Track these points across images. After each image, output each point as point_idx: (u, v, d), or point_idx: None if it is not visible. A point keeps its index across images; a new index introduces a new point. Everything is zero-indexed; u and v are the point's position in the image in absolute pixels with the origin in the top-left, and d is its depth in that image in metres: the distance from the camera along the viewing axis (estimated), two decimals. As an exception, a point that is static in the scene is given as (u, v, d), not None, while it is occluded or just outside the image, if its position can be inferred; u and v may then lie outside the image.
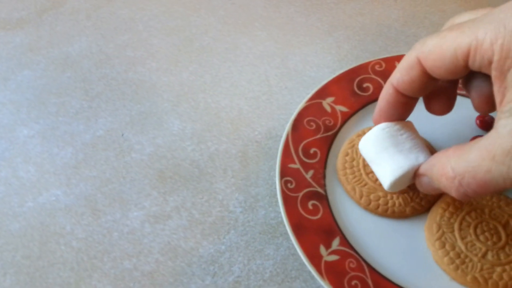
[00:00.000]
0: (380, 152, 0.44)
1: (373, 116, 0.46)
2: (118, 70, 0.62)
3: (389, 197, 0.47)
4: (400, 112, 0.44)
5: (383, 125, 0.45)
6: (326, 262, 0.43)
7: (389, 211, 0.46)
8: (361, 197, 0.47)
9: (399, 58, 0.57)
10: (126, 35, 0.66)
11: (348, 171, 0.49)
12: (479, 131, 0.53)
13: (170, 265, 0.46)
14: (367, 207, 0.47)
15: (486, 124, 0.52)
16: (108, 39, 0.66)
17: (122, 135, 0.55)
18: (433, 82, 0.40)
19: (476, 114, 0.53)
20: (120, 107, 0.58)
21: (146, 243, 0.47)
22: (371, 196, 0.47)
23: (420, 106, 0.52)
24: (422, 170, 0.41)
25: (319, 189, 0.48)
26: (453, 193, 0.36)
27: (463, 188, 0.35)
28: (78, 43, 0.66)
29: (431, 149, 0.50)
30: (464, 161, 0.34)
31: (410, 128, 0.45)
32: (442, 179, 0.37)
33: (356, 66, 0.56)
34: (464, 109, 0.53)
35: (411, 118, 0.50)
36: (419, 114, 0.52)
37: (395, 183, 0.44)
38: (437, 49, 0.36)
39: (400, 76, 0.40)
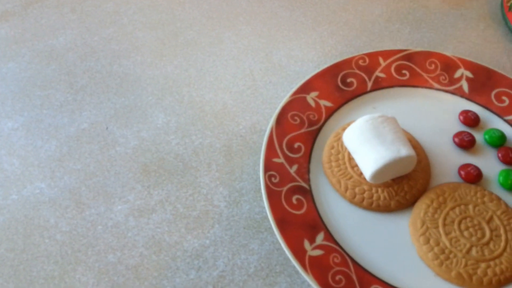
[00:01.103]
0: (363, 143, 0.45)
1: None
2: (103, 63, 0.62)
3: (374, 190, 0.47)
4: None
5: (366, 117, 0.46)
6: (310, 257, 0.43)
7: (374, 204, 0.47)
8: (346, 190, 0.47)
9: (382, 53, 0.57)
10: (111, 28, 0.66)
11: (333, 164, 0.49)
12: (462, 126, 0.53)
13: (154, 259, 0.46)
14: (352, 200, 0.47)
15: (469, 120, 0.52)
16: (93, 32, 0.66)
17: (107, 128, 0.55)
18: None
19: (460, 109, 0.53)
20: (105, 100, 0.57)
21: (130, 237, 0.47)
22: (356, 189, 0.47)
23: (405, 102, 0.53)
24: None
25: (304, 184, 0.48)
26: None
27: None
28: (63, 36, 0.65)
29: (415, 143, 0.50)
30: None
31: (393, 122, 0.46)
32: None
33: (340, 61, 0.56)
34: (448, 104, 0.54)
35: (395, 113, 0.50)
36: (404, 110, 0.52)
37: (376, 174, 0.44)
38: None
39: None
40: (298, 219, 0.45)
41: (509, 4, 0.64)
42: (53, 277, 0.45)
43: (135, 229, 0.48)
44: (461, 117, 0.53)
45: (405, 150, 0.44)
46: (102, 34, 0.65)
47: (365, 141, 0.45)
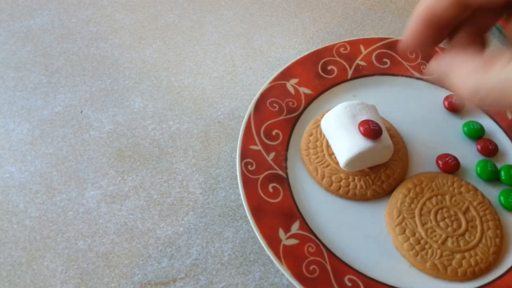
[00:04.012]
0: (340, 128, 0.44)
1: (402, 38, 0.40)
2: (80, 45, 0.61)
3: (350, 179, 0.47)
4: (431, 38, 0.38)
5: (345, 103, 0.45)
6: (284, 246, 0.42)
7: (350, 193, 0.46)
8: (322, 178, 0.47)
9: (364, 41, 0.56)
10: (90, 10, 0.65)
11: (311, 151, 0.48)
12: (446, 112, 0.53)
13: (126, 246, 0.45)
14: (328, 188, 0.47)
15: (454, 106, 0.52)
16: (70, 13, 0.64)
17: (81, 111, 0.54)
18: (466, 10, 0.36)
19: (443, 95, 0.53)
20: (80, 83, 0.56)
21: (102, 223, 0.46)
22: (333, 177, 0.47)
23: (385, 91, 0.52)
24: (442, 63, 0.37)
25: (280, 172, 0.47)
26: (470, 102, 0.33)
27: (483, 103, 0.33)
28: (40, 17, 0.64)
29: (394, 132, 0.50)
30: (490, 81, 0.32)
31: (372, 110, 0.45)
32: (461, 88, 0.34)
33: (320, 48, 0.56)
34: (428, 93, 0.54)
35: (375, 101, 0.50)
36: (384, 98, 0.52)
37: (351, 162, 0.44)
38: None
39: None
40: (274, 207, 0.45)
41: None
42: (21, 263, 0.44)
43: (107, 216, 0.47)
44: (446, 103, 0.53)
45: (381, 140, 0.43)
46: (80, 16, 0.64)
47: (342, 128, 0.44)
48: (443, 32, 0.38)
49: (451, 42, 0.39)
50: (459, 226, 0.44)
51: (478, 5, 0.34)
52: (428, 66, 0.40)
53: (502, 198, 0.47)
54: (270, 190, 0.46)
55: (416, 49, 0.41)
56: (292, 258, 0.42)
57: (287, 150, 0.49)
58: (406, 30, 0.39)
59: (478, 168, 0.48)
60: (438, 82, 0.39)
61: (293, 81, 0.53)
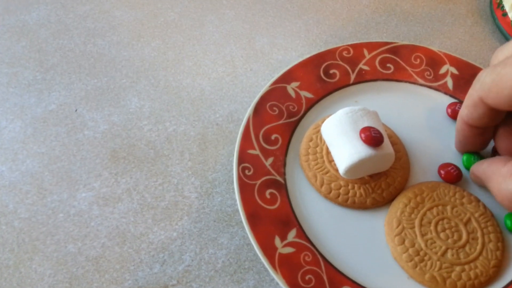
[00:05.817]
0: (340, 135, 0.44)
1: (455, 145, 0.49)
2: (77, 41, 0.59)
3: (350, 186, 0.46)
4: (479, 141, 0.46)
5: (347, 109, 0.44)
6: (280, 254, 0.41)
7: (350, 201, 0.45)
8: (321, 185, 0.46)
9: (367, 45, 0.55)
10: (88, 5, 0.64)
11: (310, 157, 0.47)
12: (450, 120, 0.52)
13: (117, 250, 0.44)
14: (327, 196, 0.46)
15: (457, 114, 0.51)
16: (68, 8, 0.63)
17: (76, 110, 0.53)
18: (502, 112, 0.42)
19: (447, 103, 0.53)
20: (76, 81, 0.55)
21: (93, 226, 0.45)
22: (332, 185, 0.46)
23: (388, 97, 0.51)
24: (477, 173, 0.44)
25: (279, 178, 0.46)
26: (508, 208, 0.39)
27: None
28: (37, 11, 0.63)
29: (395, 140, 0.49)
30: None
31: (374, 117, 0.45)
32: (499, 197, 0.39)
33: (323, 51, 0.55)
34: (431, 101, 0.53)
35: (377, 107, 0.49)
36: (386, 104, 0.51)
37: (351, 169, 0.43)
38: (495, 87, 0.38)
39: (469, 113, 0.43)
40: (271, 214, 0.44)
41: (498, 1, 0.62)
42: (8, 266, 0.43)
43: (99, 218, 0.46)
44: (449, 111, 0.52)
45: (382, 147, 0.42)
46: (78, 11, 0.63)
47: (343, 134, 0.43)
48: (488, 133, 0.46)
49: (495, 138, 0.46)
50: (460, 237, 0.43)
51: (506, 109, 0.39)
52: (470, 172, 0.47)
53: (508, 222, 0.45)
54: (267, 196, 0.45)
55: (467, 152, 0.49)
56: (288, 267, 0.41)
57: (286, 155, 0.48)
58: (457, 142, 0.49)
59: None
60: (478, 183, 0.46)
61: (294, 84, 0.52)
